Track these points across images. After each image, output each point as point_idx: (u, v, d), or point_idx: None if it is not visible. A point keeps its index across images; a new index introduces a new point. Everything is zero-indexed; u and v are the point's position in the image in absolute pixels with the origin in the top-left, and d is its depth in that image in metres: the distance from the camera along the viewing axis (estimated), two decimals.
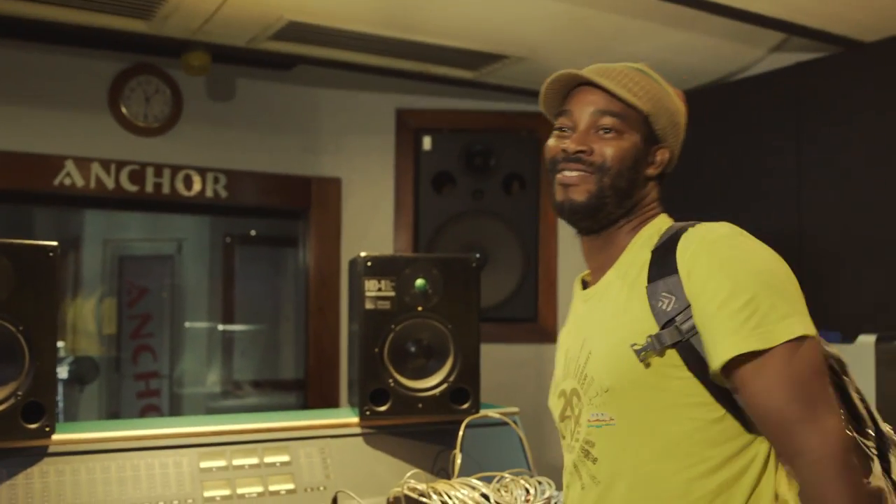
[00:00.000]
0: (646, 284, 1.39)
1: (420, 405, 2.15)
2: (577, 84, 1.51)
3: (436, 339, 2.19)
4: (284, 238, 4.90)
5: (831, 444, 1.23)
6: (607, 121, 1.46)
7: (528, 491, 1.94)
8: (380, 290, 2.14)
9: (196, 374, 5.85)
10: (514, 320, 3.99)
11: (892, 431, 1.39)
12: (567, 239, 4.03)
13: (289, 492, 1.95)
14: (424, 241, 3.89)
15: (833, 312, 2.98)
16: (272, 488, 1.94)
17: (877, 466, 1.32)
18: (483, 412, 2.20)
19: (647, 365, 1.34)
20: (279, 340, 5.58)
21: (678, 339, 1.33)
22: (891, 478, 1.32)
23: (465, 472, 2.04)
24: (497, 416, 2.20)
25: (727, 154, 3.48)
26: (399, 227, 3.92)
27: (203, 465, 1.91)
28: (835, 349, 1.40)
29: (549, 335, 4.00)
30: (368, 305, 2.13)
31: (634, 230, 1.50)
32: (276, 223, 5.01)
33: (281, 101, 3.75)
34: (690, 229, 1.40)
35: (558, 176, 1.50)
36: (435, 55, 3.23)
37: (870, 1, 2.63)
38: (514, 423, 2.22)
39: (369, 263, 2.14)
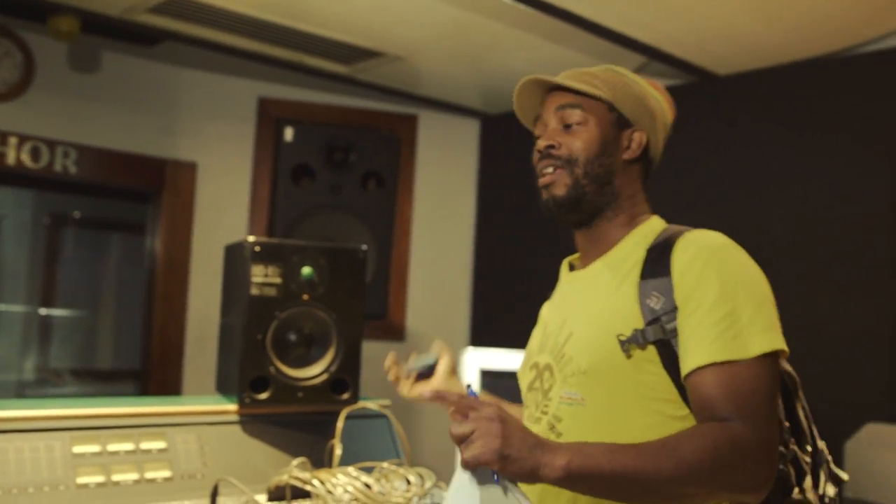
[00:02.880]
0: (638, 280, 1.45)
1: (300, 394, 2.13)
2: (548, 92, 1.61)
3: (319, 328, 2.18)
4: (124, 221, 4.68)
5: (762, 442, 1.30)
6: (570, 114, 1.56)
7: (408, 481, 1.97)
8: (266, 276, 2.11)
9: (9, 361, 5.47)
10: (364, 317, 3.99)
11: (825, 449, 1.50)
12: (420, 239, 4.10)
13: (166, 479, 1.88)
14: (279, 233, 3.83)
15: None
16: (148, 475, 1.87)
17: (808, 480, 1.43)
18: (361, 403, 2.20)
19: (629, 356, 1.40)
20: (108, 328, 5.31)
21: (661, 337, 1.40)
22: (817, 491, 1.44)
23: (343, 462, 2.04)
24: (375, 407, 2.21)
25: None
26: (254, 218, 3.85)
27: (76, 450, 1.82)
28: (789, 366, 1.50)
29: (398, 332, 4.04)
30: (254, 291, 2.09)
31: (627, 225, 1.57)
32: (114, 205, 4.77)
33: (142, 77, 3.59)
34: (687, 234, 1.47)
35: (539, 181, 1.59)
36: (311, 45, 3.20)
37: (732, 36, 2.84)
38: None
39: (257, 249, 2.10)
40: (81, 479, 1.79)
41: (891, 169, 2.73)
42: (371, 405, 2.21)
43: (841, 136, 2.88)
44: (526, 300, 3.81)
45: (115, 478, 1.83)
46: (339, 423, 2.10)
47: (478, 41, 3.09)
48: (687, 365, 1.36)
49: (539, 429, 1.53)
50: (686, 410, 1.41)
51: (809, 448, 1.47)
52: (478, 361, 2.29)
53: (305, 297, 2.14)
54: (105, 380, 5.17)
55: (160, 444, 1.92)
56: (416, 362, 1.94)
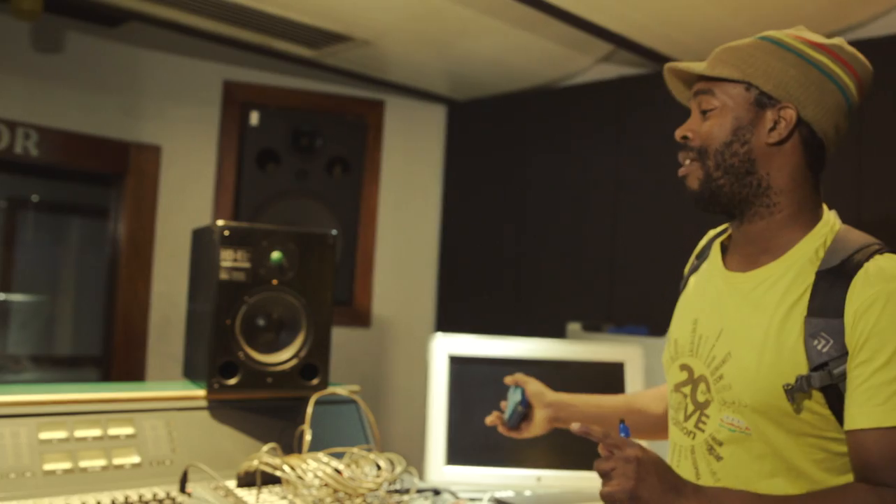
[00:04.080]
0: (804, 315, 1.34)
1: (269, 379, 2.12)
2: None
3: (288, 313, 2.17)
4: (84, 204, 4.61)
5: None
6: (704, 100, 1.44)
7: (378, 467, 1.97)
8: (235, 260, 2.09)
9: None
10: None
11: None
12: (386, 225, 4.09)
13: (134, 465, 1.86)
14: (245, 218, 3.81)
15: (643, 310, 3.21)
16: (116, 461, 1.85)
17: None
18: (331, 389, 2.20)
19: (794, 405, 1.34)
20: (68, 313, 5.23)
21: (827, 382, 1.31)
22: None
23: (313, 448, 2.04)
24: (345, 393, 2.21)
25: (553, 158, 3.66)
26: (220, 202, 3.81)
27: (42, 436, 1.79)
28: None
29: (364, 319, 4.04)
30: (223, 276, 2.07)
31: (793, 225, 1.42)
32: (74, 188, 4.70)
33: (105, 59, 3.54)
34: (869, 265, 1.32)
35: (679, 172, 1.49)
36: (278, 28, 3.17)
37: (699, 25, 2.86)
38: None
39: (226, 233, 2.08)
40: (48, 466, 1.76)
41: (854, 156, 2.77)
42: (341, 391, 2.20)
43: None
44: (492, 287, 3.84)
45: (83, 464, 1.80)
46: (309, 409, 2.10)
47: (446, 27, 3.08)
48: (852, 422, 1.30)
49: (694, 443, 1.49)
50: None
51: None
52: (446, 347, 2.29)
53: (275, 281, 2.13)
54: (65, 366, 5.09)
55: (128, 430, 1.90)
56: (510, 410, 1.94)
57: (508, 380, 1.96)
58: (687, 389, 1.51)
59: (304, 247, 2.17)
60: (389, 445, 2.25)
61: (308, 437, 2.06)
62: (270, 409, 2.13)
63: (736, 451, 1.41)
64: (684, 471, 1.50)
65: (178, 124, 3.72)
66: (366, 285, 4.06)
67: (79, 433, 1.84)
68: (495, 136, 3.94)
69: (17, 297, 5.46)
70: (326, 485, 1.83)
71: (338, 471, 1.88)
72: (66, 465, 1.78)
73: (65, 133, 3.44)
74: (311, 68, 3.69)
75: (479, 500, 2.10)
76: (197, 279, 2.28)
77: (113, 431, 1.88)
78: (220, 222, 2.09)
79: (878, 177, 2.72)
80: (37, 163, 3.39)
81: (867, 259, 1.33)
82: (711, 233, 1.67)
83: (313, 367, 2.19)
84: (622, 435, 1.39)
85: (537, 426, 1.91)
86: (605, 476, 1.29)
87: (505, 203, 3.85)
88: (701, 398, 1.47)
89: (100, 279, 3.92)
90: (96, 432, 1.86)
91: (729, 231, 1.56)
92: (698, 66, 1.45)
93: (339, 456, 1.96)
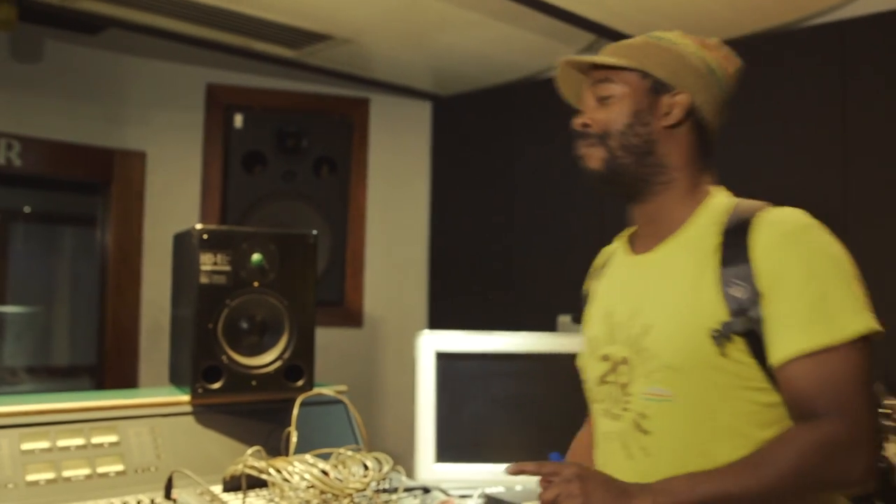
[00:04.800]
0: (719, 269, 1.40)
1: (254, 382, 2.11)
2: (587, 72, 1.59)
3: (271, 315, 2.16)
4: (75, 214, 4.60)
5: (854, 434, 1.28)
6: (602, 88, 1.53)
7: (366, 467, 1.96)
8: (215, 264, 2.07)
9: None
10: (321, 304, 3.97)
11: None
12: (375, 224, 4.08)
13: (118, 473, 1.85)
14: (232, 221, 3.79)
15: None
16: (100, 470, 1.84)
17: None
18: (316, 390, 2.19)
19: (722, 351, 1.37)
20: (64, 323, 5.22)
21: (748, 327, 1.36)
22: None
23: (300, 449, 2.03)
24: (331, 394, 2.20)
25: (540, 150, 3.65)
26: (206, 206, 3.79)
27: (24, 446, 1.78)
28: None
29: (355, 319, 4.02)
30: (203, 280, 2.06)
31: (688, 200, 1.52)
32: (65, 198, 4.68)
33: (86, 67, 3.52)
34: (762, 214, 1.41)
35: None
36: (257, 30, 3.15)
37: (680, 12, 2.85)
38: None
39: (205, 236, 2.06)
40: (31, 477, 1.75)
41: (840, 139, 2.76)
42: (327, 391, 2.19)
43: (789, 109, 2.90)
44: (483, 282, 3.82)
45: (66, 474, 1.80)
46: (295, 411, 2.08)
47: (427, 21, 3.06)
48: (776, 356, 1.34)
49: (622, 426, 1.50)
50: (777, 397, 1.38)
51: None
52: (433, 344, 2.28)
53: (256, 284, 2.12)
54: (62, 376, 5.08)
55: (112, 438, 1.89)
56: None
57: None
58: (611, 377, 1.54)
59: (284, 248, 2.16)
60: (383, 445, 2.23)
61: (294, 438, 2.04)
62: (256, 413, 2.12)
63: (663, 423, 1.44)
64: (615, 455, 1.52)
65: (161, 129, 3.70)
66: (356, 285, 4.05)
67: (62, 442, 1.83)
68: (482, 130, 3.92)
69: (11, 309, 5.45)
70: (313, 486, 1.82)
71: (324, 472, 1.87)
72: (50, 475, 1.78)
73: (48, 142, 3.42)
74: (294, 69, 3.67)
75: (470, 496, 2.09)
76: (179, 284, 2.27)
77: (96, 440, 1.87)
78: (199, 226, 2.08)
79: (864, 154, 2.71)
80: (20, 173, 3.37)
81: (762, 212, 1.42)
82: (606, 249, 1.76)
83: (298, 368, 2.18)
84: (554, 460, 1.41)
85: None
86: None
87: (493, 196, 3.83)
88: (624, 379, 1.50)
89: (94, 288, 3.90)
90: (79, 441, 1.85)
91: (626, 234, 1.66)
92: (598, 57, 1.54)
93: (326, 457, 1.95)
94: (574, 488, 1.28)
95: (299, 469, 1.85)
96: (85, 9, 2.93)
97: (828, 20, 2.85)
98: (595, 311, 1.66)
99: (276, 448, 2.06)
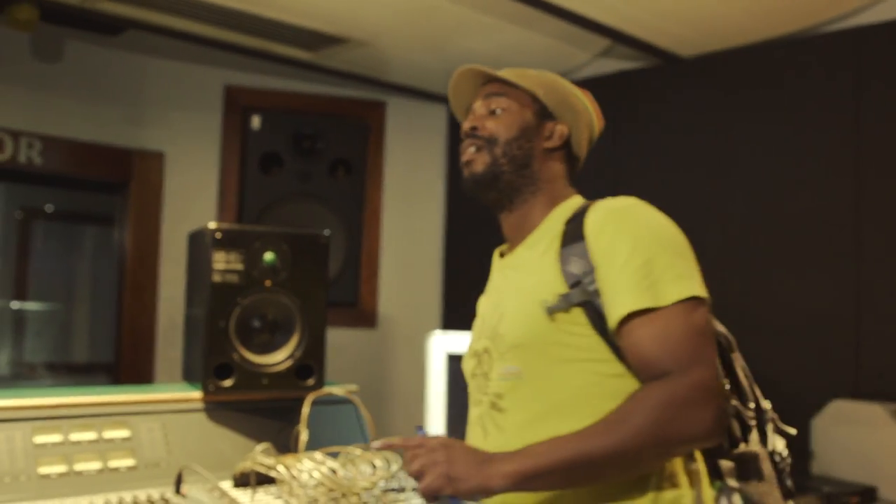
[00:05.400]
0: (559, 249, 1.51)
1: (265, 381, 2.13)
2: (481, 86, 1.70)
3: (283, 314, 2.18)
4: (96, 213, 4.65)
5: (698, 386, 1.33)
6: (496, 101, 1.65)
7: (374, 466, 1.97)
8: (228, 262, 2.10)
9: None
10: (336, 304, 4.00)
11: (771, 409, 1.53)
12: (391, 226, 4.10)
13: (129, 468, 1.87)
14: (249, 221, 3.82)
15: None
16: (112, 465, 1.86)
17: (754, 435, 1.47)
18: (327, 389, 2.20)
19: (555, 321, 1.44)
20: (83, 320, 5.28)
21: (584, 298, 1.44)
22: (765, 446, 1.47)
23: (309, 448, 2.05)
24: (341, 393, 2.21)
25: None
26: (223, 207, 3.83)
27: (37, 440, 1.80)
28: (723, 327, 1.53)
29: (369, 320, 4.04)
30: (216, 278, 2.08)
31: (548, 207, 1.63)
32: (86, 198, 4.74)
33: (107, 67, 3.56)
34: (599, 201, 1.55)
35: (461, 158, 1.66)
36: (275, 32, 3.18)
37: (694, 18, 2.85)
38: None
39: (218, 235, 2.09)
40: (43, 470, 1.78)
41: (853, 147, 2.75)
42: (337, 390, 2.21)
43: (802, 116, 2.90)
44: None
45: (78, 467, 1.82)
46: (305, 409, 2.10)
47: (443, 24, 3.08)
48: (611, 319, 1.41)
49: (481, 410, 1.57)
50: (622, 368, 1.44)
51: (752, 405, 1.50)
52: (443, 345, 2.29)
53: (268, 283, 2.14)
54: (80, 373, 5.14)
55: (124, 433, 1.92)
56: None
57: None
58: (478, 369, 1.62)
59: (296, 248, 2.18)
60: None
61: (304, 436, 2.06)
62: (267, 411, 2.14)
63: (514, 399, 1.50)
64: (475, 438, 1.58)
65: (180, 130, 3.74)
66: (371, 286, 4.07)
67: (74, 437, 1.85)
68: None
69: (32, 306, 5.51)
70: (321, 484, 1.84)
71: (333, 470, 1.89)
72: (62, 469, 1.80)
73: (68, 141, 3.47)
74: (311, 71, 3.70)
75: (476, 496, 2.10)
76: (193, 283, 2.30)
77: (108, 434, 1.90)
78: (212, 225, 2.10)
79: (878, 162, 2.71)
80: (41, 172, 3.41)
81: (600, 200, 1.55)
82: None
83: (308, 367, 2.19)
84: (419, 434, 1.48)
85: None
86: (419, 475, 1.35)
87: None
88: (486, 367, 1.59)
89: (112, 286, 3.95)
90: (91, 435, 1.87)
91: (505, 245, 1.77)
92: (501, 72, 1.66)
93: (334, 455, 1.97)
94: (438, 456, 1.34)
95: (308, 467, 1.87)
96: (105, 10, 2.98)
97: (842, 27, 2.84)
98: (476, 320, 1.76)
99: (285, 446, 2.08)
